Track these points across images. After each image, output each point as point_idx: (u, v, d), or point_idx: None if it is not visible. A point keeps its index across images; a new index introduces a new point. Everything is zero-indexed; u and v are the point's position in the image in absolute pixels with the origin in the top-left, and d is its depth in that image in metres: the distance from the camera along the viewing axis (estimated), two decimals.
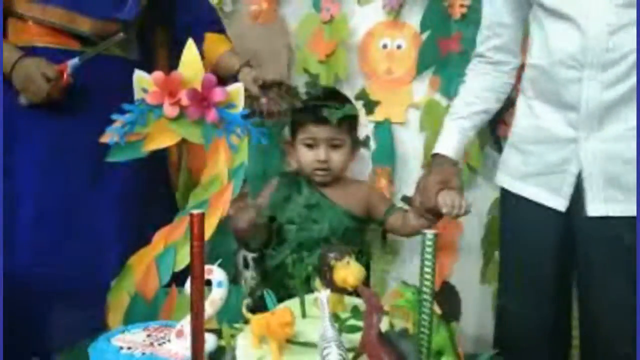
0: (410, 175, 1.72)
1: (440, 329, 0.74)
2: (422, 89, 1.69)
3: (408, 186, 1.69)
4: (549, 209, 1.12)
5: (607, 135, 1.04)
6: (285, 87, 1.29)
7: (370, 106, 1.23)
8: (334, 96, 1.30)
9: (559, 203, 1.10)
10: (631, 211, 1.03)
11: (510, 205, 1.24)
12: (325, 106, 1.22)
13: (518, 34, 1.21)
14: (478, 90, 1.25)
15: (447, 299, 1.68)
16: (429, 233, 0.51)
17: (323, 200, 1.24)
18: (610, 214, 1.04)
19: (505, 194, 1.25)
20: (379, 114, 1.70)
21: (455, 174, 1.21)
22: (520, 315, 1.20)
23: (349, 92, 1.65)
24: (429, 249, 0.51)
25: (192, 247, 0.56)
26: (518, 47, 1.22)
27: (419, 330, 0.53)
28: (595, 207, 1.05)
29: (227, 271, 0.89)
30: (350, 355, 0.68)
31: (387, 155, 1.72)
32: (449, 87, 1.59)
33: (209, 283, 0.87)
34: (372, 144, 1.73)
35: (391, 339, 0.66)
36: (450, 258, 1.66)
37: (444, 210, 1.11)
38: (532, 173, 1.15)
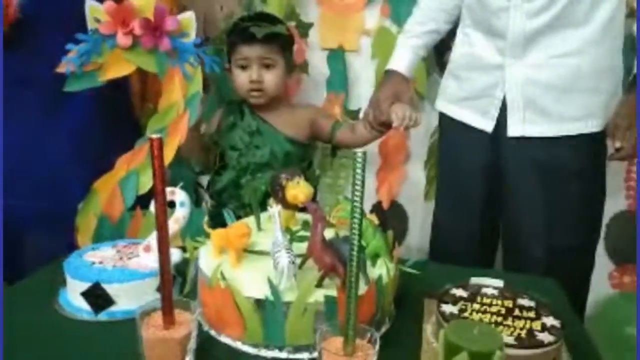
0: (362, 101, 1.79)
1: (377, 236, 0.86)
2: (373, 16, 1.73)
3: (360, 111, 1.78)
4: (479, 130, 1.23)
5: (529, 62, 1.14)
6: None
7: (304, 28, 1.24)
8: (266, 17, 1.30)
9: (487, 125, 1.22)
10: (545, 132, 1.16)
11: (446, 128, 1.35)
12: (256, 25, 1.22)
13: None
14: (431, 10, 1.32)
15: (396, 217, 1.83)
16: (359, 152, 0.60)
17: (264, 126, 1.27)
18: (527, 134, 1.16)
19: (442, 117, 1.35)
20: (332, 42, 1.74)
21: (407, 88, 1.29)
22: (452, 226, 1.35)
23: (303, 18, 1.68)
24: (359, 165, 0.60)
25: (153, 167, 0.62)
26: None
27: (351, 234, 0.62)
28: (514, 128, 1.17)
29: (189, 195, 0.96)
30: (299, 260, 0.79)
31: (340, 81, 1.78)
32: (399, 14, 1.63)
33: (173, 205, 0.95)
34: (326, 71, 1.78)
35: (333, 244, 0.77)
36: (398, 179, 1.79)
37: (395, 123, 1.16)
38: (465, 97, 1.25)
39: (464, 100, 1.26)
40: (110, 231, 1.05)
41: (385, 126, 1.23)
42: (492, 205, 1.30)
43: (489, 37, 1.18)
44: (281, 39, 1.26)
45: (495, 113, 1.20)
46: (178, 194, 0.90)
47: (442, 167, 1.41)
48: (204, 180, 1.53)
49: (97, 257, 0.91)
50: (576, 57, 1.11)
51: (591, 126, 1.15)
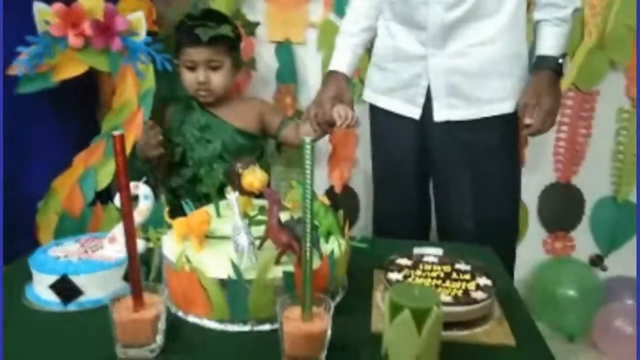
0: (311, 92, 1.87)
1: (328, 216, 0.94)
2: (317, 10, 1.80)
3: (310, 101, 1.84)
4: (407, 118, 1.33)
5: (450, 51, 1.24)
6: None
7: (250, 27, 1.28)
8: (212, 17, 1.30)
9: (414, 112, 1.32)
10: (467, 116, 1.27)
11: (375, 117, 1.44)
12: (201, 26, 1.23)
13: None
14: (362, 9, 1.40)
15: (348, 201, 1.92)
16: (307, 139, 0.66)
17: (214, 120, 1.30)
18: (451, 118, 1.28)
19: (371, 107, 1.44)
20: (279, 35, 1.80)
21: (348, 89, 1.36)
22: (389, 207, 1.46)
23: (251, 15, 1.73)
24: (307, 152, 0.66)
25: (116, 163, 0.67)
26: None
27: (304, 214, 0.69)
28: (439, 114, 1.28)
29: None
30: (258, 242, 0.85)
31: (289, 73, 1.85)
32: (342, 7, 1.71)
33: (136, 198, 0.98)
34: (276, 64, 1.84)
35: (289, 225, 0.84)
36: (348, 164, 1.88)
37: (338, 123, 1.24)
38: (391, 88, 1.35)
39: (391, 91, 1.35)
40: (71, 227, 1.08)
41: (328, 125, 1.30)
42: (424, 185, 1.42)
43: (410, 29, 1.27)
44: (227, 39, 1.28)
45: (421, 101, 1.30)
46: (142, 188, 0.94)
47: (375, 153, 1.50)
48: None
49: (62, 252, 0.93)
50: (490, 45, 1.23)
51: (506, 107, 1.27)
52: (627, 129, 1.79)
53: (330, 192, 1.88)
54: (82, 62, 1.04)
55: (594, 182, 1.86)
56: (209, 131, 1.30)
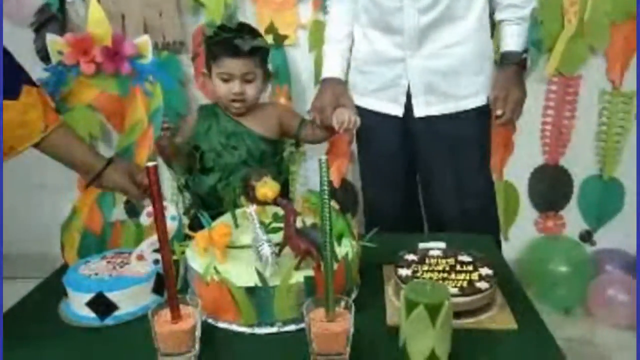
0: (304, 91, 1.93)
1: (339, 219, 1.01)
2: (307, 11, 1.85)
3: (304, 100, 1.92)
4: (390, 116, 1.42)
5: (425, 53, 1.33)
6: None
7: (278, 39, 1.33)
8: (245, 30, 1.34)
9: (397, 110, 1.41)
10: (444, 110, 1.37)
11: (361, 116, 1.49)
12: (239, 38, 1.28)
13: None
14: (342, 14, 1.46)
15: (345, 193, 1.99)
16: (323, 157, 0.73)
17: (239, 128, 1.35)
18: (430, 113, 1.38)
19: (356, 109, 1.51)
20: (271, 38, 1.84)
21: (345, 93, 1.43)
22: (379, 199, 1.55)
23: (241, 17, 1.78)
24: (323, 169, 0.73)
25: (151, 192, 0.73)
26: None
27: (323, 223, 0.76)
28: (419, 110, 1.38)
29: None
30: (276, 248, 0.92)
31: (283, 74, 1.90)
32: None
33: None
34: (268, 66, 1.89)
35: (305, 232, 0.91)
36: (345, 159, 1.95)
37: (337, 127, 1.29)
38: (374, 89, 1.43)
39: (374, 92, 1.43)
40: (94, 244, 1.13)
41: (330, 130, 1.34)
42: (411, 177, 1.52)
43: (387, 34, 1.35)
44: (260, 52, 1.32)
45: (403, 99, 1.39)
46: (169, 210, 1.00)
47: (362, 150, 1.59)
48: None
49: (92, 270, 0.99)
50: (462, 46, 1.32)
51: (478, 101, 1.37)
52: (609, 110, 1.87)
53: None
54: (94, 86, 1.09)
55: (581, 162, 1.95)
56: (234, 138, 1.34)
